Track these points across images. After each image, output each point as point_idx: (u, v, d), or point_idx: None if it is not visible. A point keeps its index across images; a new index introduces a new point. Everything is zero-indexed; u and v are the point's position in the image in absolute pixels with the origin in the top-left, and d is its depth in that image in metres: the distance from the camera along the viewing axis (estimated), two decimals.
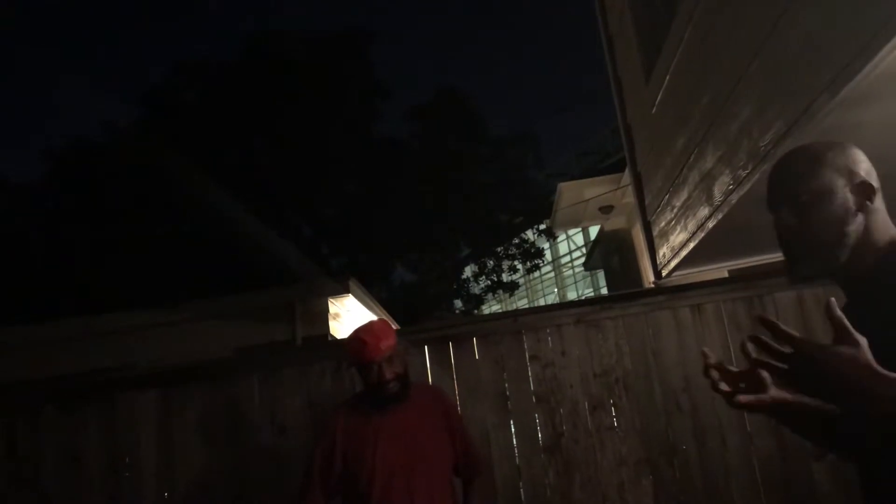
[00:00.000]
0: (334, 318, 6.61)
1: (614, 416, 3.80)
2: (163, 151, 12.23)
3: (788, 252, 1.50)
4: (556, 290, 37.33)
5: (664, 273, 5.71)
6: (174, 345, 5.95)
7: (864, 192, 1.44)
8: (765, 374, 1.28)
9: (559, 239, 29.37)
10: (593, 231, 20.66)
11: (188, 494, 3.80)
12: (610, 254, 14.49)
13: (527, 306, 32.31)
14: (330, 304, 6.47)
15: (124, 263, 8.27)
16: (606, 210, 12.12)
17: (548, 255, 29.66)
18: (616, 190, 11.30)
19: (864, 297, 1.43)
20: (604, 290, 23.33)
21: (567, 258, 35.26)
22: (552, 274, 36.67)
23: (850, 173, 1.45)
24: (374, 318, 7.22)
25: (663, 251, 5.59)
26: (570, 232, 30.36)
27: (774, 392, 1.28)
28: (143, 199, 11.69)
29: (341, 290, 6.39)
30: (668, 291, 3.98)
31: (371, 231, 17.12)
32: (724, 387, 1.43)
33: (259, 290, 6.57)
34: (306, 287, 6.57)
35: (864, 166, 1.47)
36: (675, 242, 5.27)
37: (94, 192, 13.55)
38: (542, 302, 36.99)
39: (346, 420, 2.94)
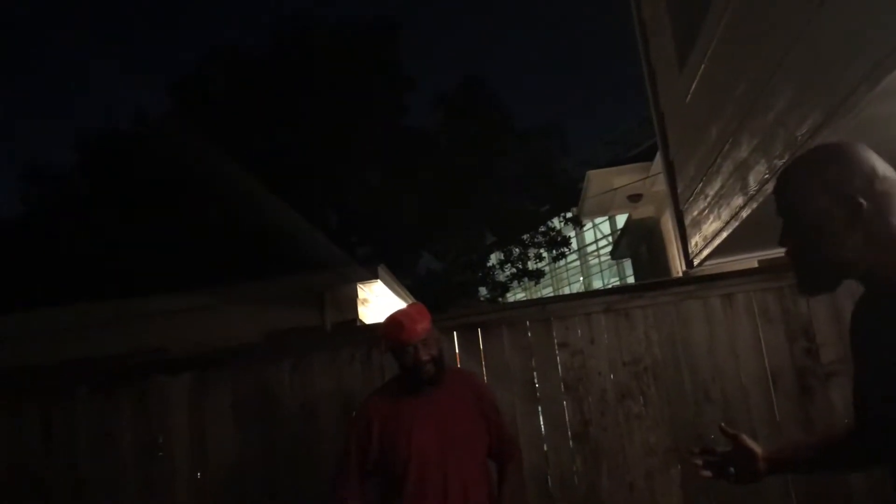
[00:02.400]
0: (363, 304, 6.67)
1: (643, 405, 3.80)
2: (193, 139, 12.35)
3: (797, 264, 1.50)
4: (581, 278, 37.21)
5: (696, 262, 5.67)
6: (206, 329, 6.02)
7: (855, 207, 1.39)
8: (752, 447, 1.78)
9: (585, 227, 29.23)
10: (619, 220, 20.54)
11: (220, 477, 3.87)
12: (637, 242, 14.42)
13: (551, 294, 32.29)
14: (359, 290, 6.52)
15: (157, 249, 8.40)
16: (635, 199, 12.05)
17: (574, 244, 29.58)
18: (645, 179, 11.23)
19: (883, 300, 1.41)
20: (630, 279, 23.20)
21: (593, 247, 35.11)
22: (577, 263, 36.55)
23: (839, 190, 1.41)
24: (402, 304, 7.27)
25: (695, 240, 5.55)
26: (597, 221, 30.21)
27: (764, 465, 1.76)
28: (175, 186, 11.83)
29: (370, 276, 6.43)
30: (698, 281, 3.96)
31: (397, 220, 17.16)
32: (706, 473, 1.83)
33: (289, 275, 6.63)
34: (336, 273, 6.62)
35: (859, 174, 1.41)
36: (708, 231, 5.23)
37: (126, 179, 13.72)
38: (566, 290, 36.91)
39: (381, 404, 2.98)
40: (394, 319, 2.96)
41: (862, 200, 1.38)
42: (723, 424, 1.89)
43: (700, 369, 3.80)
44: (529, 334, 3.94)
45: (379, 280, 6.43)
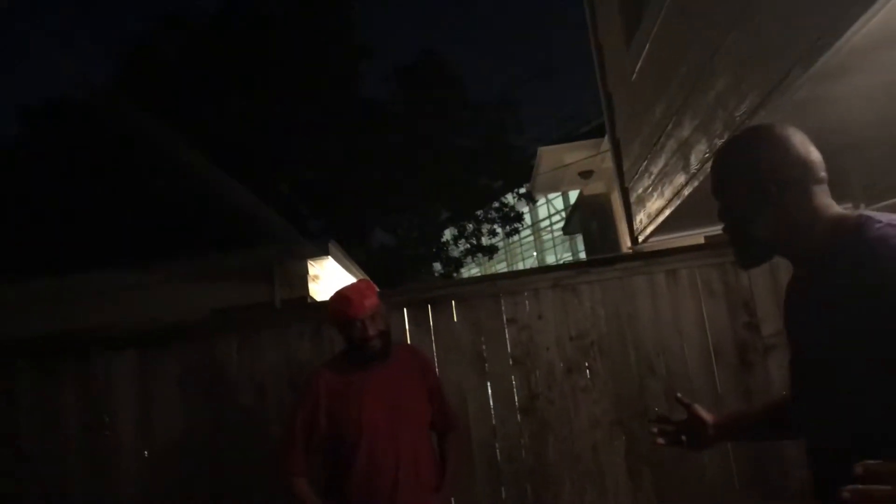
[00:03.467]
0: (313, 280, 6.62)
1: (589, 379, 3.87)
2: (140, 108, 12.06)
3: (732, 242, 1.59)
4: (535, 253, 37.47)
5: (641, 239, 5.77)
6: (151, 306, 5.92)
7: (790, 180, 1.47)
8: (703, 416, 1.90)
9: (539, 203, 29.42)
10: (573, 195, 20.72)
11: (167, 454, 3.84)
12: (589, 218, 14.55)
13: (505, 269, 32.47)
14: (309, 266, 6.47)
15: (99, 223, 8.20)
16: (586, 175, 12.15)
17: (527, 219, 29.76)
18: (596, 155, 11.33)
19: (812, 276, 1.47)
20: (582, 255, 23.47)
21: (546, 222, 35.35)
22: (531, 238, 36.79)
23: (753, 175, 1.50)
24: (354, 280, 7.24)
25: (640, 217, 5.64)
26: (550, 196, 30.40)
27: (713, 432, 1.88)
28: (118, 158, 11.54)
29: (321, 253, 6.39)
30: (643, 257, 4.03)
31: (350, 193, 17.05)
32: (660, 440, 1.94)
33: (238, 250, 6.55)
34: (285, 249, 6.56)
35: (792, 152, 1.49)
36: (652, 209, 5.32)
37: (68, 150, 13.35)
38: (520, 265, 37.17)
39: (329, 380, 2.97)
40: (341, 295, 2.98)
41: (771, 186, 1.45)
42: (679, 395, 1.97)
43: (645, 344, 3.87)
44: (479, 310, 3.96)
45: (330, 256, 6.39)
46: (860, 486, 1.05)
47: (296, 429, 2.93)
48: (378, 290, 3.09)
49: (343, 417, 2.88)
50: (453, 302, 3.97)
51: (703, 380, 3.81)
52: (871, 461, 1.06)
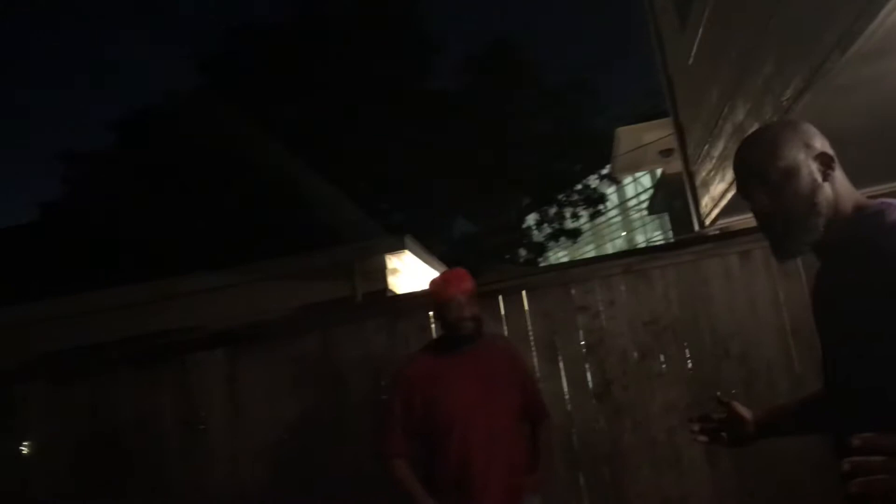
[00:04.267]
0: (392, 274, 6.78)
1: (663, 363, 3.86)
2: (223, 114, 12.51)
3: (770, 233, 1.56)
4: (623, 233, 36.82)
5: (707, 222, 5.66)
6: (242, 305, 6.21)
7: (825, 162, 1.49)
8: (743, 413, 1.88)
9: (626, 182, 28.88)
10: (659, 173, 20.26)
11: (257, 448, 4.03)
12: (673, 197, 14.25)
13: (593, 252, 32.05)
14: (387, 261, 6.64)
15: (190, 228, 8.60)
16: (666, 153, 11.90)
17: (614, 199, 29.29)
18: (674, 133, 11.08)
19: (835, 264, 1.48)
20: (671, 234, 22.97)
21: (634, 201, 34.66)
22: (619, 218, 36.15)
23: (809, 147, 1.51)
24: (432, 272, 7.37)
25: (705, 200, 5.54)
26: (637, 174, 29.79)
27: (753, 429, 1.86)
28: (205, 164, 12.02)
29: (398, 247, 6.54)
30: (715, 239, 3.99)
31: (430, 185, 17.21)
32: (702, 438, 1.93)
33: (320, 249, 6.77)
34: (364, 245, 6.74)
35: (819, 139, 1.53)
36: (716, 192, 5.23)
37: (158, 157, 13.98)
38: (609, 246, 36.63)
39: (423, 365, 3.11)
40: (441, 276, 3.18)
41: (795, 178, 1.46)
42: (718, 394, 1.97)
43: (719, 326, 3.83)
44: (550, 299, 4.00)
45: (406, 250, 6.53)
46: (858, 458, 1.08)
47: (394, 412, 3.06)
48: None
49: (436, 403, 2.99)
50: (524, 292, 4.03)
51: (780, 361, 3.75)
52: (869, 433, 1.09)
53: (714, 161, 5.15)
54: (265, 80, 16.58)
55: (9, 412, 4.18)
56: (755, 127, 4.04)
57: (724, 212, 5.29)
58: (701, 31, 4.93)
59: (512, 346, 3.38)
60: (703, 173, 5.55)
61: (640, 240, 34.00)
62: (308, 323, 4.25)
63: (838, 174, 1.50)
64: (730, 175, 4.79)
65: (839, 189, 1.49)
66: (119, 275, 7.16)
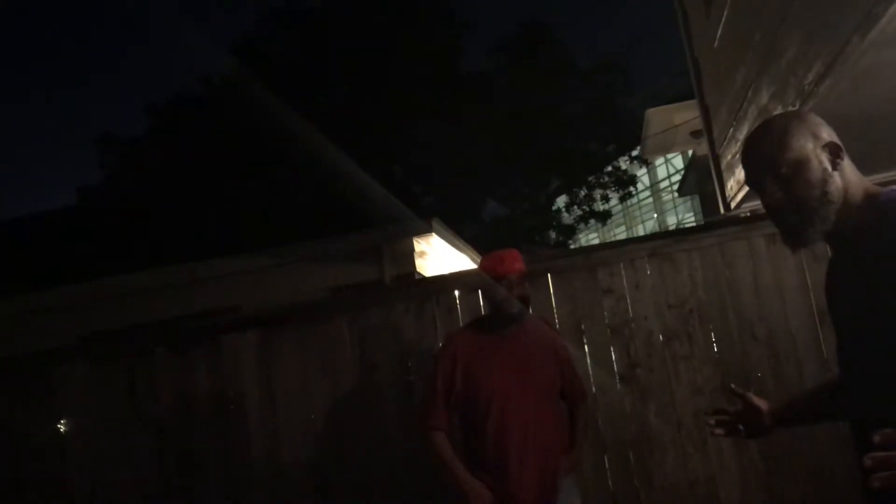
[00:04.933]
0: (420, 257, 6.85)
1: (689, 346, 3.87)
2: (256, 100, 12.64)
3: (782, 224, 1.57)
4: (654, 215, 36.50)
5: (733, 206, 5.63)
6: (271, 287, 6.31)
7: (834, 151, 1.51)
8: (758, 404, 1.90)
9: (658, 163, 28.59)
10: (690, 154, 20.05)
11: (290, 427, 4.12)
12: (704, 179, 14.12)
13: (624, 234, 31.80)
14: (415, 244, 6.70)
15: (223, 211, 8.74)
16: (697, 135, 11.80)
17: (645, 181, 29.02)
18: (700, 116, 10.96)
19: (848, 253, 1.49)
20: (702, 216, 22.74)
21: (666, 182, 34.30)
22: (650, 200, 35.83)
23: (817, 137, 1.52)
24: (460, 255, 7.42)
25: (731, 184, 5.51)
26: (669, 156, 29.47)
27: (769, 419, 1.90)
28: (238, 148, 12.17)
29: (425, 230, 6.59)
30: (742, 222, 3.98)
31: (461, 167, 17.22)
32: (718, 431, 1.95)
33: (349, 232, 6.85)
34: (391, 228, 6.81)
35: (826, 128, 1.54)
36: (741, 176, 5.17)
37: (194, 142, 14.18)
38: (640, 228, 36.35)
39: (466, 342, 3.17)
40: (494, 254, 3.22)
41: (806, 167, 1.48)
42: (733, 385, 1.98)
43: (745, 309, 3.84)
44: (575, 282, 4.03)
45: (433, 233, 6.58)
46: (880, 454, 1.10)
47: (437, 385, 3.13)
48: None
49: (476, 380, 3.05)
50: (549, 275, 4.06)
51: (807, 344, 3.75)
52: (889, 429, 1.11)
53: (739, 144, 5.12)
54: (298, 64, 16.67)
55: (48, 393, 4.31)
56: (778, 111, 4.03)
57: (750, 195, 5.26)
58: (725, 14, 4.89)
59: (552, 327, 3.45)
60: (729, 156, 5.52)
61: (672, 222, 33.68)
62: (338, 306, 4.33)
63: (847, 163, 1.51)
64: None
65: (848, 178, 1.51)
66: (154, 258, 7.31)
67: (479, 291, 3.20)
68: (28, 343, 4.60)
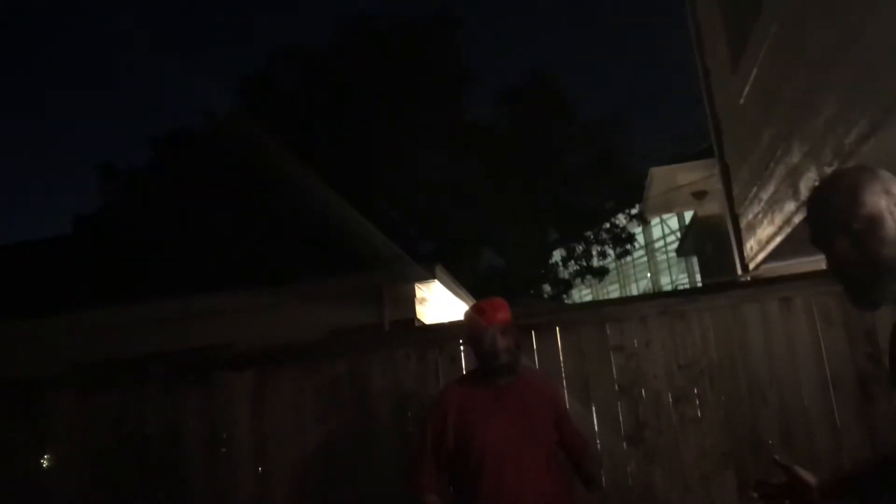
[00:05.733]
0: (421, 303, 6.75)
1: (698, 408, 3.77)
2: (259, 137, 12.65)
3: (853, 282, 1.49)
4: (648, 275, 36.54)
5: (751, 266, 5.59)
6: (268, 326, 6.18)
7: (868, 229, 1.44)
8: (806, 478, 1.75)
9: (653, 223, 28.72)
10: (689, 215, 20.19)
11: (281, 471, 3.98)
12: (703, 240, 14.15)
13: (618, 291, 31.79)
14: (417, 289, 6.61)
15: (222, 246, 8.66)
16: (700, 196, 11.83)
17: (640, 240, 29.13)
18: (710, 177, 11.01)
19: None
20: (698, 277, 22.76)
21: (661, 243, 34.42)
22: (645, 258, 35.91)
23: (889, 193, 1.46)
24: (460, 303, 7.33)
25: (751, 244, 5.47)
26: (665, 216, 29.62)
27: (818, 495, 1.73)
28: (239, 184, 12.14)
29: (428, 276, 6.52)
30: (755, 284, 3.93)
31: (459, 215, 17.23)
32: None
33: (349, 274, 6.76)
34: (394, 272, 6.73)
35: (874, 200, 1.47)
36: (763, 236, 5.15)
37: (194, 176, 14.15)
38: (633, 287, 36.36)
39: (458, 395, 3.05)
40: (476, 305, 3.12)
41: (878, 225, 1.42)
42: (776, 457, 1.86)
43: (757, 373, 3.74)
44: (584, 336, 3.94)
45: (436, 280, 6.50)
46: None
47: (426, 443, 3.01)
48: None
49: (469, 438, 2.93)
50: (557, 328, 3.96)
51: (820, 412, 3.65)
52: None
53: (763, 204, 5.09)
54: (301, 106, 16.77)
55: (37, 420, 4.17)
56: (811, 170, 4.00)
57: (771, 256, 5.21)
58: (755, 71, 4.89)
59: (550, 381, 3.33)
60: (750, 216, 5.48)
61: (665, 282, 33.74)
62: (338, 348, 4.21)
63: None
64: (779, 219, 4.71)
65: None
66: (150, 290, 7.20)
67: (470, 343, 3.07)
68: (17, 371, 4.47)
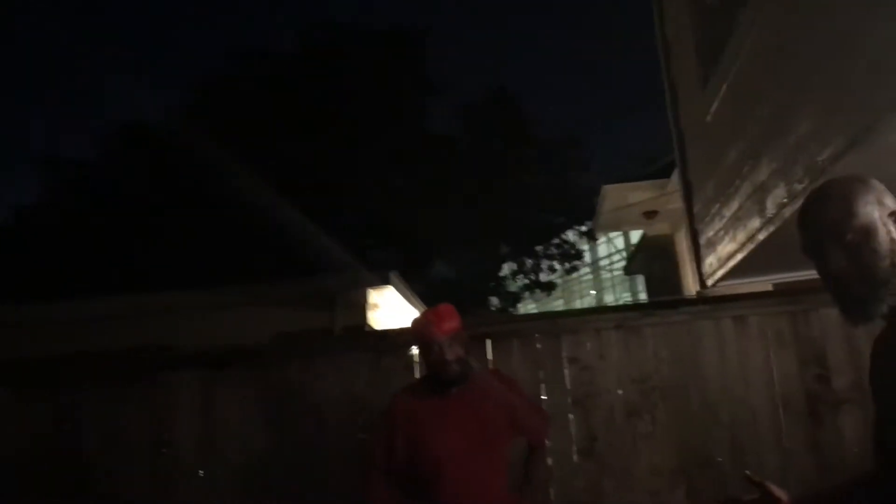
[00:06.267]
0: (373, 309, 6.67)
1: (650, 424, 3.77)
2: (214, 137, 12.44)
3: (845, 295, 1.47)
4: (593, 292, 36.97)
5: (710, 283, 5.66)
6: (215, 327, 6.01)
7: (866, 240, 1.42)
8: (779, 494, 1.65)
9: (599, 241, 29.10)
10: (634, 235, 20.48)
11: (225, 476, 3.86)
12: (651, 259, 14.34)
13: (563, 306, 32.09)
14: (370, 296, 6.53)
15: (171, 245, 8.45)
16: (651, 215, 11.98)
17: (587, 258, 29.46)
18: (661, 196, 11.18)
19: None
20: (642, 296, 23.08)
21: (606, 261, 34.88)
22: (590, 276, 36.33)
23: (882, 204, 1.45)
24: (413, 310, 7.26)
25: (710, 260, 5.54)
26: (611, 235, 30.02)
27: None
28: (192, 183, 11.90)
29: (381, 282, 6.44)
30: (711, 301, 3.96)
31: (414, 225, 17.19)
32: None
33: (301, 277, 6.65)
34: (347, 277, 6.64)
35: (890, 196, 1.47)
36: (723, 253, 5.22)
37: (143, 173, 13.83)
38: (578, 303, 36.74)
39: (407, 405, 2.98)
40: (423, 316, 3.02)
41: (874, 237, 1.40)
42: (748, 472, 1.81)
43: (709, 391, 3.77)
44: (539, 347, 3.91)
45: (390, 286, 6.44)
46: None
47: (376, 456, 2.95)
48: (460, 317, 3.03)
49: (420, 449, 2.87)
50: (513, 338, 3.93)
51: (770, 431, 3.69)
52: None
53: (725, 220, 5.15)
54: (260, 110, 16.56)
55: None
56: (780, 187, 4.05)
57: (731, 273, 5.27)
58: (724, 88, 4.95)
59: (502, 375, 3.24)
60: (710, 233, 5.55)
61: (609, 299, 34.15)
62: (288, 352, 4.10)
63: None
64: (742, 236, 4.77)
65: None
66: (93, 286, 6.96)
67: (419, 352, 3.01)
68: None
